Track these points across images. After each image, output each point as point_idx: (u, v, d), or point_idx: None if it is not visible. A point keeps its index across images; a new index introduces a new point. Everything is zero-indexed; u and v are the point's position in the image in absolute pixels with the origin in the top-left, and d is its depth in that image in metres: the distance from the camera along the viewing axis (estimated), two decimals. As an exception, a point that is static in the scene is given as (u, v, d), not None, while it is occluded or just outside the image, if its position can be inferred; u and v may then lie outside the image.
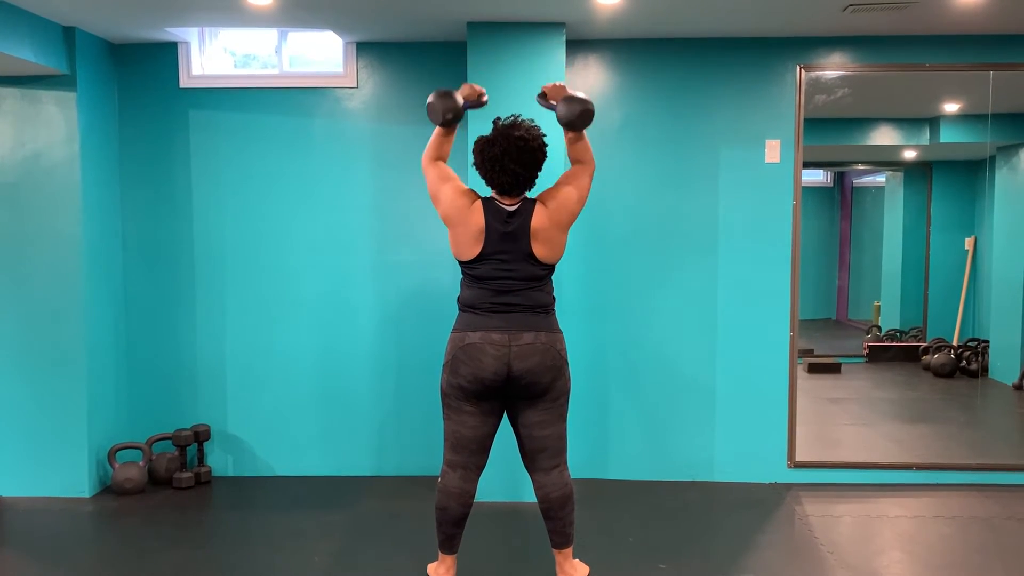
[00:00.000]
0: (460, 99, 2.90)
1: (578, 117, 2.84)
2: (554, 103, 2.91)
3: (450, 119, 2.89)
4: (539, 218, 2.79)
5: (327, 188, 4.23)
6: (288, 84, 4.20)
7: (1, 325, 3.98)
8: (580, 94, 2.87)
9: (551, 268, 2.87)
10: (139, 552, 3.35)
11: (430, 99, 2.90)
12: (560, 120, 2.86)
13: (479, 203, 2.81)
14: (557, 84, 2.95)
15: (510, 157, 2.73)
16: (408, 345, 4.27)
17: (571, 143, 2.91)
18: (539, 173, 2.83)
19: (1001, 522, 3.66)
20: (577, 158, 2.92)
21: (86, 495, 4.01)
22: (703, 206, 4.15)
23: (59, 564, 3.25)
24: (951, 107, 4.61)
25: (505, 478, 3.84)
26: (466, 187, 2.88)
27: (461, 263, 2.86)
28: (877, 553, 3.35)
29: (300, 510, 3.82)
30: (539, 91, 3.03)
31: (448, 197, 2.84)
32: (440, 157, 2.96)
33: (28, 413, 3.98)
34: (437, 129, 2.95)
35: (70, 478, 4.00)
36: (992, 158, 4.70)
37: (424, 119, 4.18)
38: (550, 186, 2.91)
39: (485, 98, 3.06)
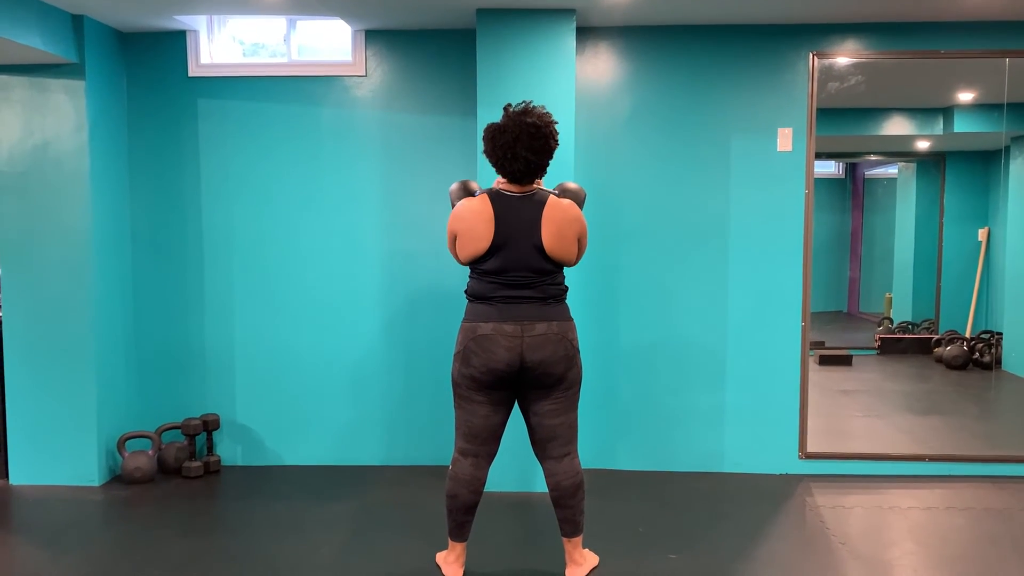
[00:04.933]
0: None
1: None
2: None
3: None
4: (552, 208, 2.76)
5: (336, 177, 4.22)
6: (297, 73, 4.18)
7: (11, 315, 3.98)
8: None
9: (561, 267, 2.84)
10: (148, 541, 3.36)
11: (456, 188, 2.92)
12: None
13: (484, 196, 2.79)
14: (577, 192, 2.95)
15: (521, 143, 2.70)
16: (417, 334, 4.26)
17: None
18: (550, 160, 2.80)
19: (1015, 513, 3.63)
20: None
21: (96, 484, 4.02)
22: (714, 195, 4.12)
23: (69, 552, 3.25)
24: (965, 96, 4.56)
25: (516, 468, 3.83)
26: (469, 203, 2.82)
27: (471, 264, 2.83)
28: (889, 544, 3.33)
29: (309, 499, 3.82)
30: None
31: (456, 220, 2.82)
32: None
33: (38, 402, 3.99)
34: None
35: (80, 467, 4.01)
36: (1007, 148, 4.65)
37: (433, 107, 4.19)
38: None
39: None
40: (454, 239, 2.85)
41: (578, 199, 2.90)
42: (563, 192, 2.88)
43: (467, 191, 2.89)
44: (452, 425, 2.93)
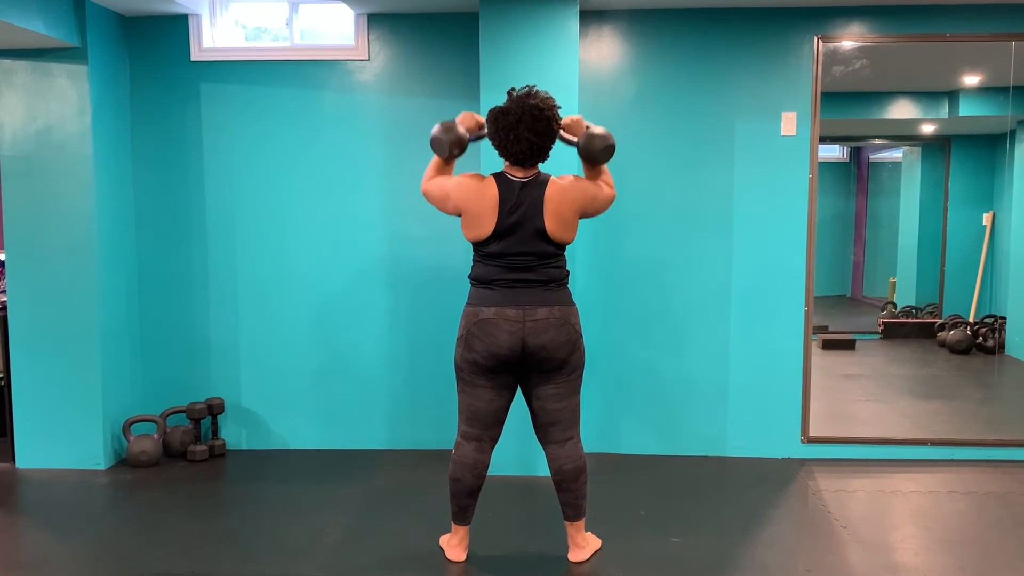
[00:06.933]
0: (464, 132, 2.88)
1: (601, 152, 2.86)
2: (575, 139, 2.91)
3: (456, 154, 2.88)
4: (552, 190, 2.77)
5: (339, 161, 4.22)
6: (299, 57, 4.17)
7: (16, 299, 4.00)
8: (600, 129, 2.88)
9: (562, 248, 2.85)
10: (154, 523, 3.38)
11: (435, 133, 2.88)
12: (582, 155, 2.88)
13: (491, 178, 2.80)
14: (575, 118, 2.93)
15: (525, 125, 2.71)
16: (421, 318, 4.26)
17: (592, 177, 2.91)
18: (552, 143, 2.81)
19: (1017, 498, 3.63)
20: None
21: (101, 467, 4.04)
22: (718, 180, 4.11)
23: (75, 535, 3.28)
24: (971, 80, 4.53)
25: (519, 451, 3.85)
26: (471, 173, 2.86)
27: (475, 244, 2.84)
28: (891, 528, 3.34)
29: (313, 483, 3.84)
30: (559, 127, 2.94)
31: (457, 186, 2.82)
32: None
33: (43, 386, 4.01)
34: (435, 158, 2.93)
35: (86, 450, 4.03)
36: (1012, 132, 4.63)
37: (435, 91, 4.17)
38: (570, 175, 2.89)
39: (485, 131, 2.95)
40: (448, 200, 2.85)
41: (606, 143, 2.85)
42: (589, 139, 2.85)
43: (452, 136, 2.85)
44: (455, 409, 2.95)
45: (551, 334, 2.76)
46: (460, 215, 2.84)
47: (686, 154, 4.11)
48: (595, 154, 2.87)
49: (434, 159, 2.94)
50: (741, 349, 4.17)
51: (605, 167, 2.94)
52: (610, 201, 2.94)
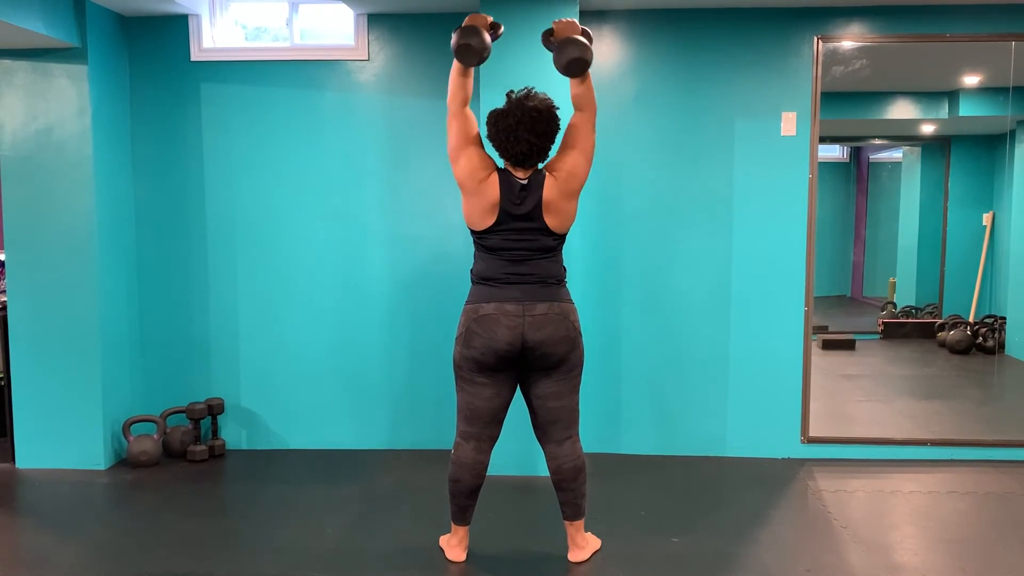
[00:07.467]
0: (487, 36, 2.75)
1: (567, 66, 2.72)
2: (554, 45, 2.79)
3: (486, 57, 2.75)
4: (550, 190, 2.77)
5: (339, 161, 4.22)
6: (299, 57, 4.17)
7: (16, 300, 4.00)
8: (580, 37, 2.73)
9: (562, 238, 2.87)
10: (154, 523, 3.38)
11: (462, 41, 2.69)
12: (555, 66, 2.76)
13: (495, 176, 2.79)
14: (566, 20, 2.80)
15: (524, 127, 2.71)
16: (422, 318, 4.26)
17: (573, 86, 2.80)
18: (552, 144, 2.81)
19: (1017, 498, 3.64)
20: (577, 104, 2.81)
21: (102, 467, 4.04)
22: (718, 179, 4.11)
23: (75, 535, 3.28)
24: (971, 80, 4.53)
25: (518, 452, 3.85)
26: (486, 156, 2.82)
27: (473, 232, 2.85)
28: (891, 528, 3.34)
29: (313, 483, 3.84)
30: (548, 27, 2.85)
31: (467, 165, 2.78)
32: (466, 99, 2.81)
33: (44, 386, 4.01)
34: (456, 67, 2.77)
35: (86, 450, 4.03)
36: (1012, 132, 4.62)
37: (435, 91, 4.17)
38: (556, 152, 2.86)
39: (501, 29, 2.87)
40: (456, 162, 2.80)
41: (568, 58, 2.69)
42: (558, 50, 2.71)
43: (479, 41, 2.69)
44: (455, 409, 2.94)
45: (550, 329, 2.76)
46: (459, 187, 2.82)
47: (686, 154, 4.11)
48: (563, 69, 2.73)
49: (455, 68, 2.76)
50: (741, 349, 4.17)
51: (588, 74, 2.77)
52: (593, 126, 2.81)
